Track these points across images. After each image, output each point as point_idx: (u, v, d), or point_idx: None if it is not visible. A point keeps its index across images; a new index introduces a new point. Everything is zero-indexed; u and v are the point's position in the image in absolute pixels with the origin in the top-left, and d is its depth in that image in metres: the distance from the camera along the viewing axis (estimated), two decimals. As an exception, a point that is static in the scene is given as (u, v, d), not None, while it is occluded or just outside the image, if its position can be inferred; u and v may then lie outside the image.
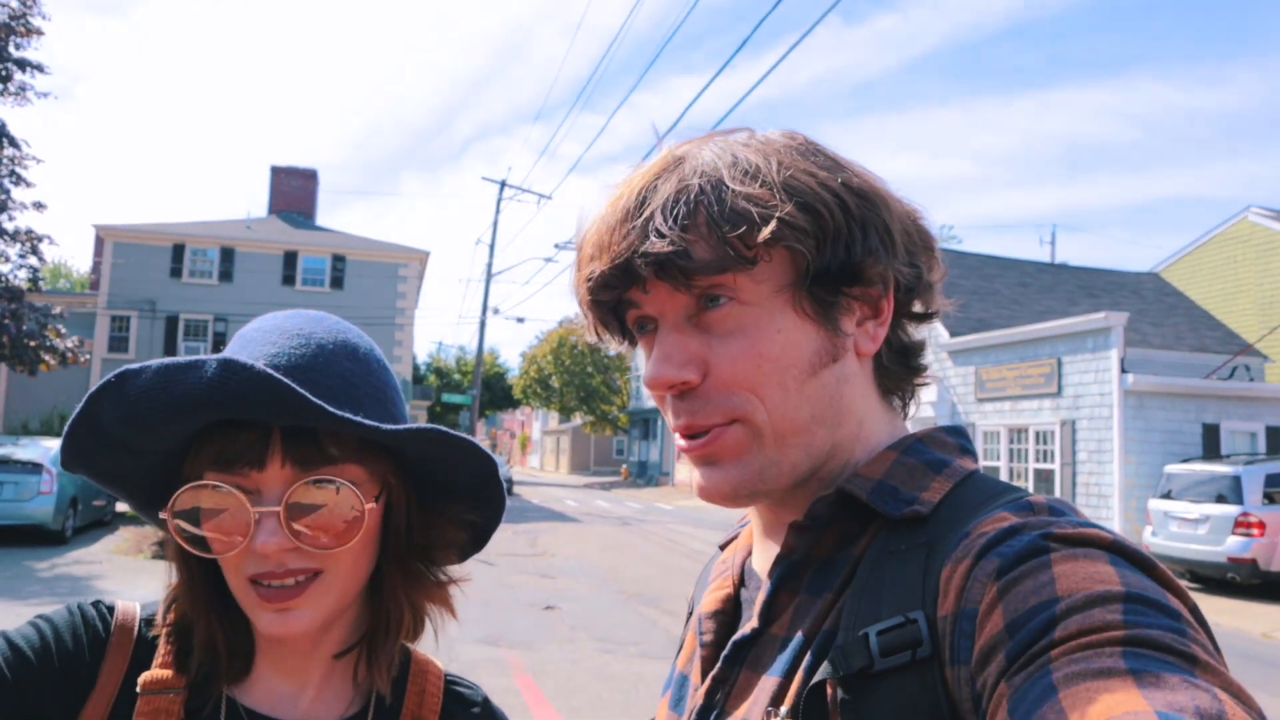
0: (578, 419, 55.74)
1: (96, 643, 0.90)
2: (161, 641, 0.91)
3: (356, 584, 0.91)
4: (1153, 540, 13.64)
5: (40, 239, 19.85)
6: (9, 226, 19.28)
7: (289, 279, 30.82)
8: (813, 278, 0.73)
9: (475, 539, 1.02)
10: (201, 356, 0.77)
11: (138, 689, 0.88)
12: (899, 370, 0.82)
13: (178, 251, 30.15)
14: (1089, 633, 0.52)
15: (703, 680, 0.80)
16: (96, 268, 32.20)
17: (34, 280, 20.19)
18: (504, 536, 17.71)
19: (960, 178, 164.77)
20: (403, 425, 0.84)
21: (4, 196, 18.91)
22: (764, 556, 0.83)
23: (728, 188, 0.72)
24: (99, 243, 30.85)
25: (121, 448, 0.83)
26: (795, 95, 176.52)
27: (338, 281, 31.21)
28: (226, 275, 30.41)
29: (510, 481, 36.59)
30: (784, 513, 0.80)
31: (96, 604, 0.94)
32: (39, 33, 19.00)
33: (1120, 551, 0.59)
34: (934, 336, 20.41)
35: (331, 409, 0.78)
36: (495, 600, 10.55)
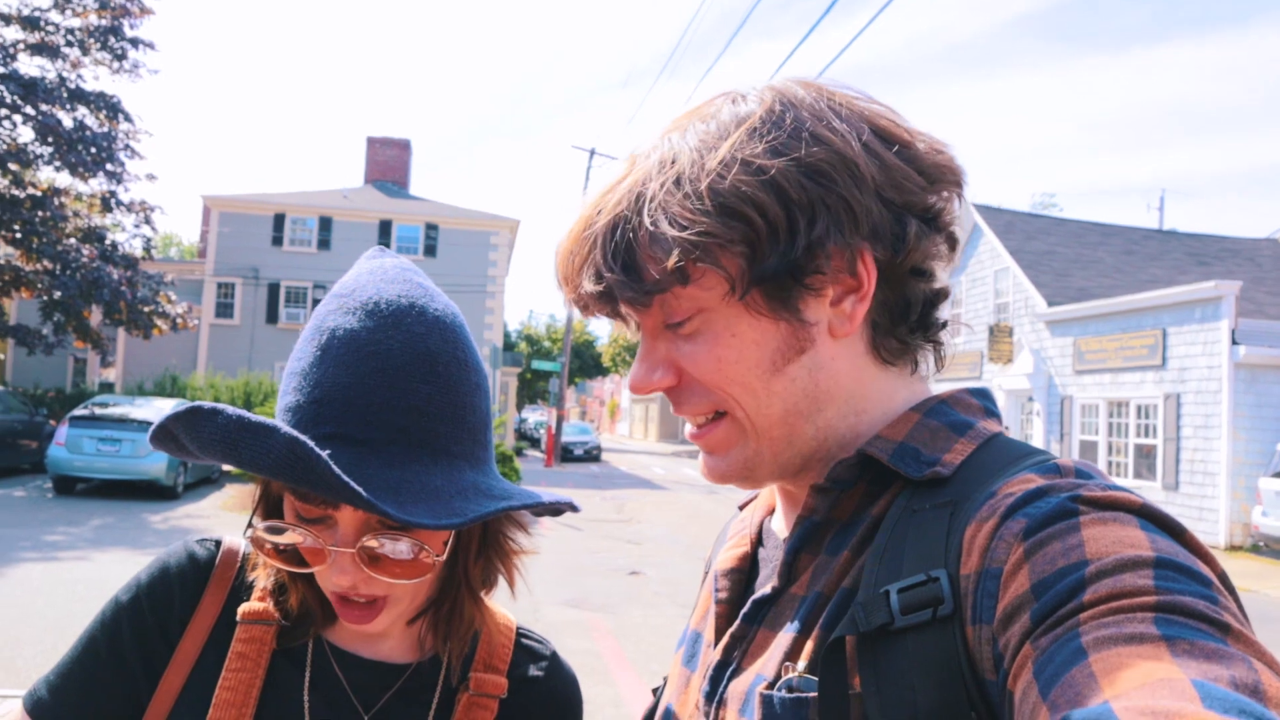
0: (665, 387, 55.76)
1: (197, 574, 0.99)
2: (260, 578, 0.99)
3: (429, 589, 0.97)
4: (1263, 520, 13.06)
5: (152, 209, 20.80)
6: (125, 198, 20.24)
7: (384, 247, 31.36)
8: (752, 280, 0.71)
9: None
10: (272, 423, 0.77)
11: (237, 618, 0.96)
12: (896, 337, 0.77)
13: (279, 221, 31.07)
14: (1120, 597, 0.51)
15: (718, 637, 0.80)
16: (204, 236, 33.47)
17: (147, 249, 21.19)
18: (591, 502, 17.96)
19: (1062, 142, 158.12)
20: (461, 516, 0.83)
21: (120, 169, 19.83)
22: (784, 517, 0.84)
23: (654, 204, 0.71)
24: (206, 212, 32.02)
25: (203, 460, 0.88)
26: (886, 59, 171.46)
27: (430, 249, 31.74)
28: (324, 243, 31.21)
29: (598, 448, 37.01)
30: (801, 480, 0.80)
31: (203, 540, 1.03)
32: (150, 12, 19.78)
33: (1150, 516, 0.58)
34: (1030, 305, 19.82)
35: (390, 509, 0.78)
36: (581, 564, 10.74)
